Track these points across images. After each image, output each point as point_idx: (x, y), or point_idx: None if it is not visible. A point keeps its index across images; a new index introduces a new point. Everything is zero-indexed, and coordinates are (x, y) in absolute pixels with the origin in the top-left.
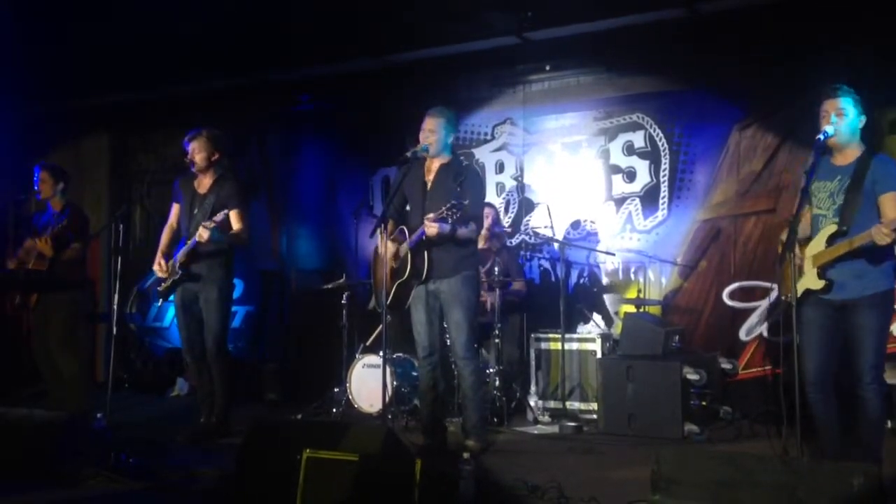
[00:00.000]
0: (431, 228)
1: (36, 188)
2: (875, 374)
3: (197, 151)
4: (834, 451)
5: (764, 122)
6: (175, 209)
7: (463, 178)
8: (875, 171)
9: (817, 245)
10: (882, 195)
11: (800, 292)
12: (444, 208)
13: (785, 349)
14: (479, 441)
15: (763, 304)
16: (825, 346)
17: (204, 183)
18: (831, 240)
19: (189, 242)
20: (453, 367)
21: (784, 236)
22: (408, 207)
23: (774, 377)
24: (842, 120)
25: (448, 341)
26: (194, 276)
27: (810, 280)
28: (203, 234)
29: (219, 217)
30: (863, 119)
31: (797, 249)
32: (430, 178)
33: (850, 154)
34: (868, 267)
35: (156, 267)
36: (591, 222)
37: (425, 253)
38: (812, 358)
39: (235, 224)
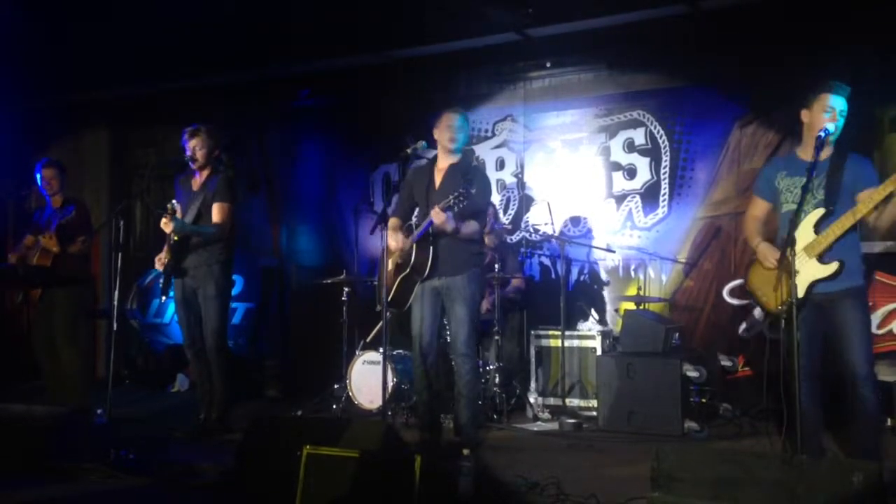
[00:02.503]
0: (439, 216)
1: (40, 185)
2: (869, 369)
3: (198, 148)
4: (812, 447)
5: (765, 119)
6: (169, 206)
7: (471, 177)
8: (854, 169)
9: (804, 235)
10: (863, 192)
11: (802, 290)
12: (451, 196)
13: (775, 347)
14: (471, 439)
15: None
16: (811, 345)
17: (199, 180)
18: (819, 225)
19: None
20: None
21: (752, 238)
22: (416, 209)
23: (775, 375)
24: (839, 119)
25: (448, 337)
26: (184, 270)
27: (814, 271)
28: (166, 226)
29: (171, 208)
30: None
31: (774, 250)
32: (438, 177)
33: (825, 151)
34: (851, 259)
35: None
36: (592, 219)
37: (430, 248)
38: (801, 354)
39: (215, 217)
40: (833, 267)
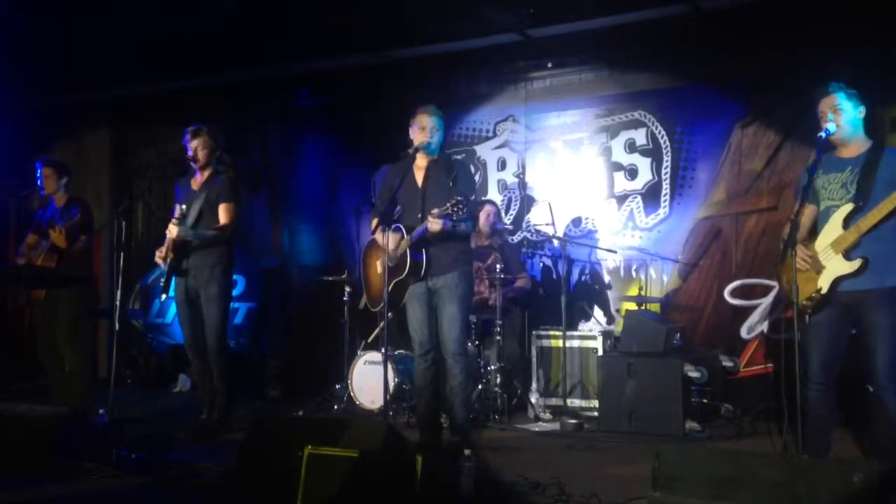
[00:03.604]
0: (435, 224)
1: (39, 185)
2: (892, 373)
3: (200, 148)
4: (818, 448)
5: (766, 119)
6: (178, 210)
7: (456, 173)
8: (891, 163)
9: (832, 231)
10: None
11: (826, 286)
12: (448, 205)
13: (787, 346)
14: (465, 439)
15: (764, 302)
16: (832, 345)
17: (199, 180)
18: (848, 221)
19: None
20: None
21: (785, 234)
22: (398, 207)
23: (776, 374)
24: (839, 116)
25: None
26: (185, 271)
27: (839, 267)
28: (172, 230)
29: (181, 212)
30: (862, 111)
31: (803, 248)
32: (420, 175)
33: (857, 147)
34: (884, 257)
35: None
36: (593, 220)
37: (423, 250)
38: (816, 357)
39: (222, 218)
40: (856, 264)
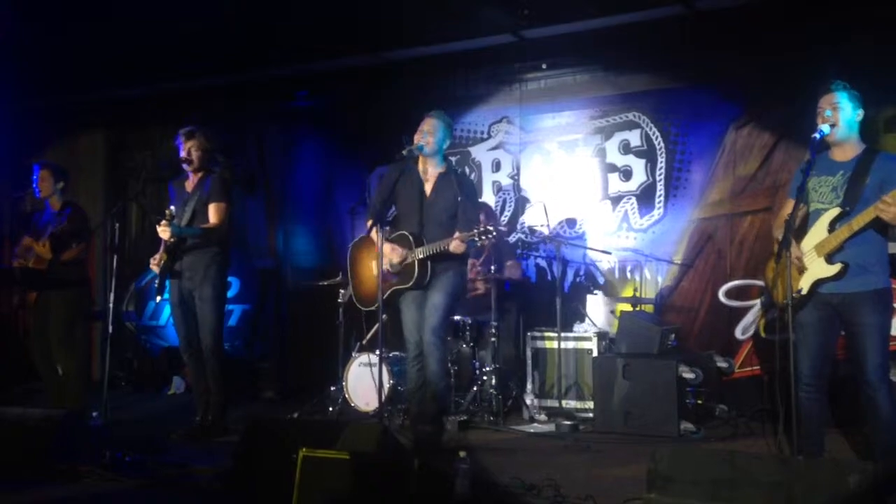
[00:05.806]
0: (460, 248)
1: (35, 187)
2: (882, 373)
3: (194, 150)
4: (811, 448)
5: (760, 120)
6: (167, 212)
7: (467, 191)
8: (882, 168)
9: (818, 233)
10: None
11: (807, 287)
12: (476, 231)
13: (778, 347)
14: (437, 429)
15: (759, 303)
16: (821, 347)
17: (192, 182)
18: (834, 224)
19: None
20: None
21: (779, 235)
22: (393, 209)
23: (770, 375)
24: (838, 114)
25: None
26: (179, 273)
27: (819, 270)
28: (163, 232)
29: (169, 213)
30: (860, 113)
31: (796, 248)
32: (428, 186)
33: (850, 150)
34: (869, 260)
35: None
36: (588, 221)
37: (428, 263)
38: (807, 358)
39: (212, 218)
40: (836, 268)
